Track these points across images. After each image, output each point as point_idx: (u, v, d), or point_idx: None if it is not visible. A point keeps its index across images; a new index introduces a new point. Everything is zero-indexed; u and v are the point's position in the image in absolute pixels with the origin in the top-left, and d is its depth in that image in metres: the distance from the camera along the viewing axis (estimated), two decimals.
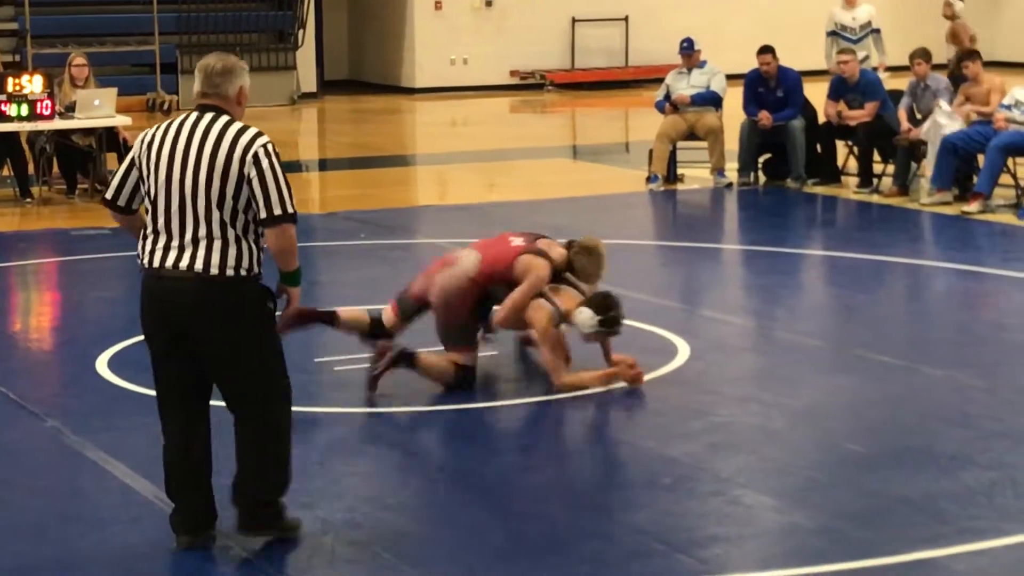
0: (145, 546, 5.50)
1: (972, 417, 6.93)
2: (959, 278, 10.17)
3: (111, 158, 13.37)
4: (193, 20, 20.75)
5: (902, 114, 13.15)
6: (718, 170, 13.81)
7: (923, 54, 13.34)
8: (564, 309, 7.29)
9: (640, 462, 6.49)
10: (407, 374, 7.33)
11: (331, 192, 14.67)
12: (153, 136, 5.29)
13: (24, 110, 12.70)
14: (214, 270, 5.14)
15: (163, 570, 5.31)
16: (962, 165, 12.70)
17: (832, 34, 14.88)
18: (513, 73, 23.23)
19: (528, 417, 7.18)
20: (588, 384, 7.26)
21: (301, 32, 21.31)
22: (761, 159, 13.99)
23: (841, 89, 13.58)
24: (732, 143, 13.83)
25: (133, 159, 5.37)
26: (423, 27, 22.78)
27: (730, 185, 13.73)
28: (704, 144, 13.88)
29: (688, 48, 13.92)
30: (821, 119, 13.73)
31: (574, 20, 23.47)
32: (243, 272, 5.18)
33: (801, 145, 13.57)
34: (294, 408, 5.55)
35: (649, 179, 13.87)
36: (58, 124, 12.93)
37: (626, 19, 23.75)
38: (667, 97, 13.97)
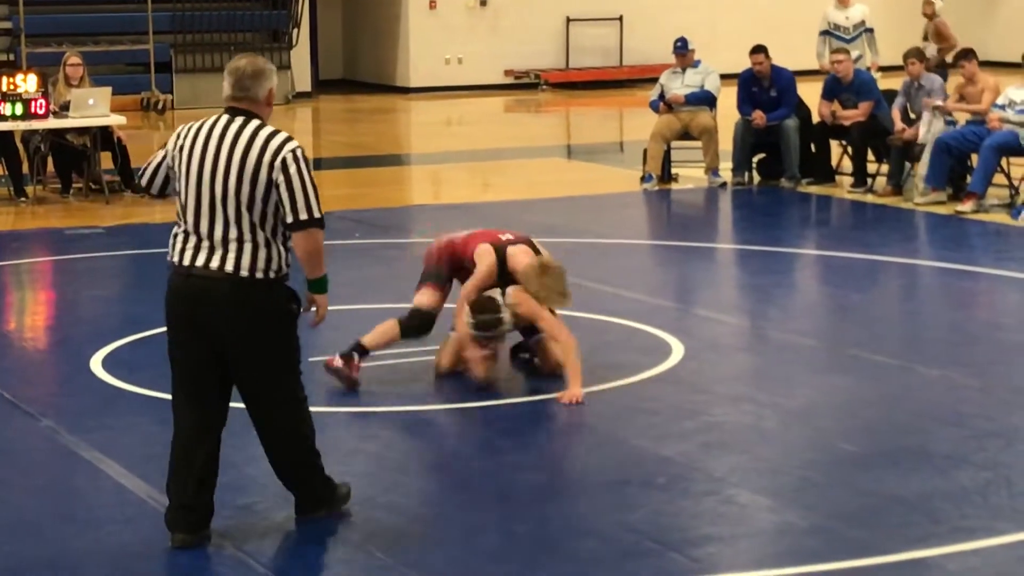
0: (139, 545, 5.50)
1: (966, 416, 6.94)
2: (953, 278, 10.18)
3: (105, 157, 13.37)
4: (187, 19, 20.74)
5: (896, 114, 13.16)
6: (712, 169, 13.82)
7: (917, 54, 13.36)
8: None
9: (634, 461, 6.49)
10: (397, 374, 7.34)
11: (326, 191, 14.55)
12: (185, 137, 5.37)
13: (19, 109, 12.68)
14: (244, 272, 5.24)
15: (158, 569, 5.31)
16: (956, 165, 12.72)
17: (825, 33, 14.88)
18: (508, 72, 23.23)
19: (522, 417, 7.18)
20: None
21: (296, 31, 21.31)
22: (755, 159, 14.00)
23: (835, 89, 13.59)
24: (726, 143, 13.83)
25: (166, 153, 5.45)
26: (417, 26, 22.78)
27: (724, 185, 13.74)
28: (698, 144, 13.89)
29: (682, 48, 13.93)
30: (815, 119, 13.74)
31: (568, 19, 23.48)
32: (272, 274, 5.27)
33: (795, 145, 13.59)
34: None
35: (643, 178, 13.88)
36: (53, 123, 12.92)
37: (620, 19, 23.76)
38: (661, 96, 13.98)
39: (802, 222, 12.86)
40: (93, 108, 12.98)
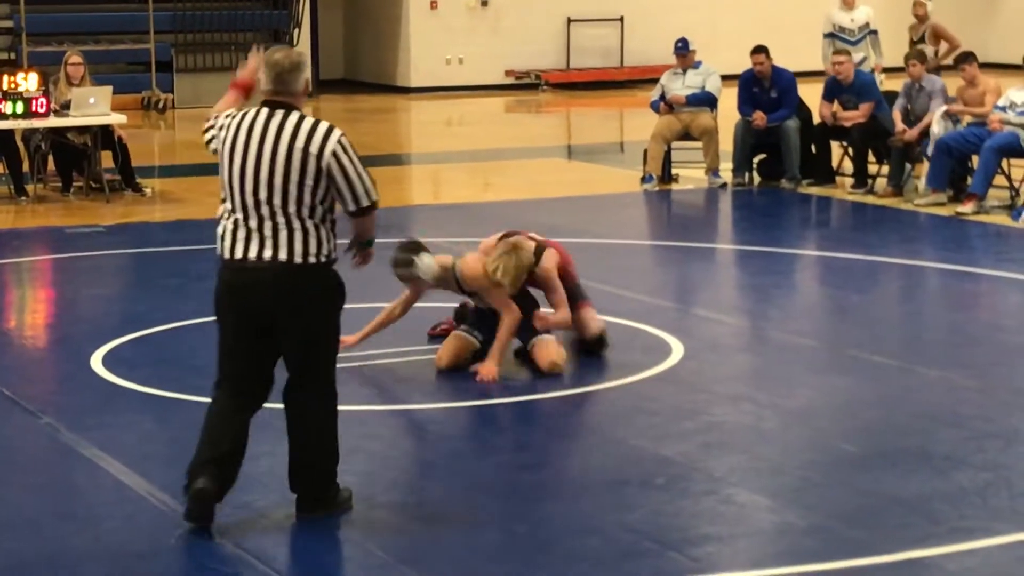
0: (139, 543, 5.50)
1: (965, 418, 6.94)
2: (953, 279, 10.19)
3: (106, 156, 13.37)
4: (188, 19, 20.74)
5: (896, 115, 13.17)
6: (713, 170, 13.82)
7: (918, 55, 13.36)
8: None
9: (633, 461, 6.50)
10: (397, 373, 7.34)
11: None
12: (227, 129, 5.49)
13: (19, 108, 12.69)
14: (297, 258, 5.39)
15: (157, 567, 5.32)
16: (956, 166, 12.73)
17: (830, 36, 14.84)
18: (508, 73, 23.23)
19: (521, 416, 7.19)
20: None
21: (296, 31, 21.31)
22: (756, 159, 14.00)
23: (836, 90, 13.60)
24: (727, 143, 13.84)
25: (215, 134, 5.57)
26: (418, 26, 22.78)
27: (724, 185, 13.74)
28: (699, 144, 13.89)
29: (683, 48, 13.93)
30: (816, 120, 13.74)
31: (569, 20, 23.48)
32: (322, 259, 5.43)
33: (796, 146, 13.59)
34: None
35: (644, 179, 13.88)
36: (53, 122, 12.92)
37: (621, 19, 23.76)
38: (662, 97, 13.98)
39: (802, 223, 12.86)
40: (94, 107, 12.99)
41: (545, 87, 23.13)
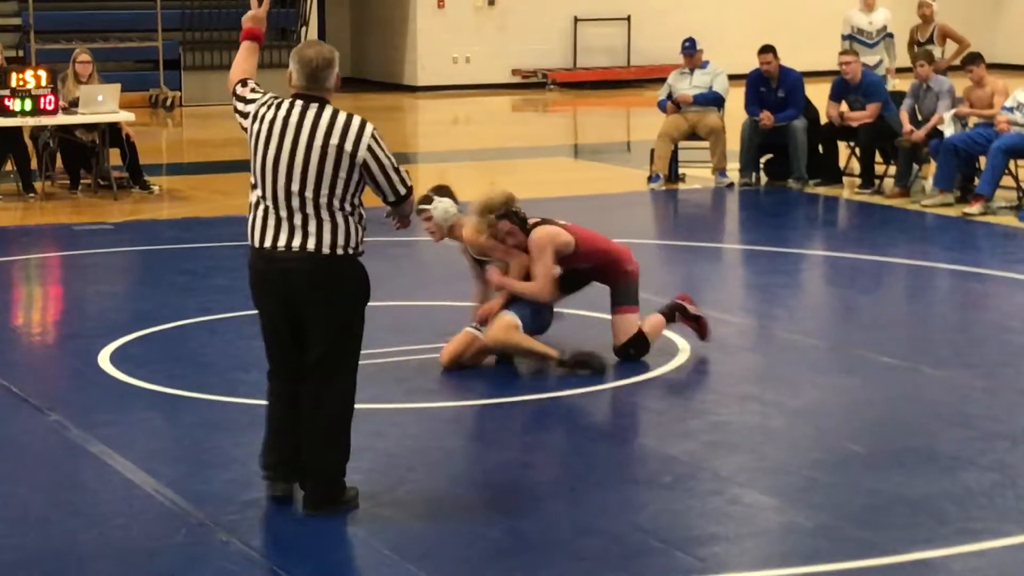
0: (146, 540, 5.52)
1: (972, 418, 6.94)
2: (960, 279, 10.18)
3: (114, 154, 13.39)
4: (196, 17, 20.76)
5: (904, 116, 13.16)
6: (719, 170, 13.82)
7: (925, 56, 13.36)
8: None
9: (640, 460, 6.50)
10: (403, 371, 7.34)
11: None
12: (261, 120, 5.57)
13: (27, 105, 12.72)
14: (326, 249, 5.50)
15: (164, 564, 5.32)
16: (963, 167, 12.72)
17: (848, 38, 14.80)
18: (515, 72, 23.23)
19: (527, 414, 7.19)
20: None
21: (304, 30, 21.33)
22: (763, 159, 14.00)
23: (843, 90, 13.59)
24: (734, 143, 13.84)
25: (247, 114, 5.66)
26: (425, 25, 22.79)
27: (731, 185, 13.74)
28: (706, 144, 13.89)
29: (690, 48, 13.93)
30: (823, 120, 13.74)
31: (576, 19, 23.48)
32: (350, 250, 5.56)
33: (803, 145, 13.59)
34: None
35: (650, 178, 13.88)
36: (61, 119, 12.95)
37: (628, 18, 23.76)
38: (669, 97, 13.98)
39: (809, 223, 12.86)
40: (102, 104, 13.01)
41: (552, 86, 23.13)
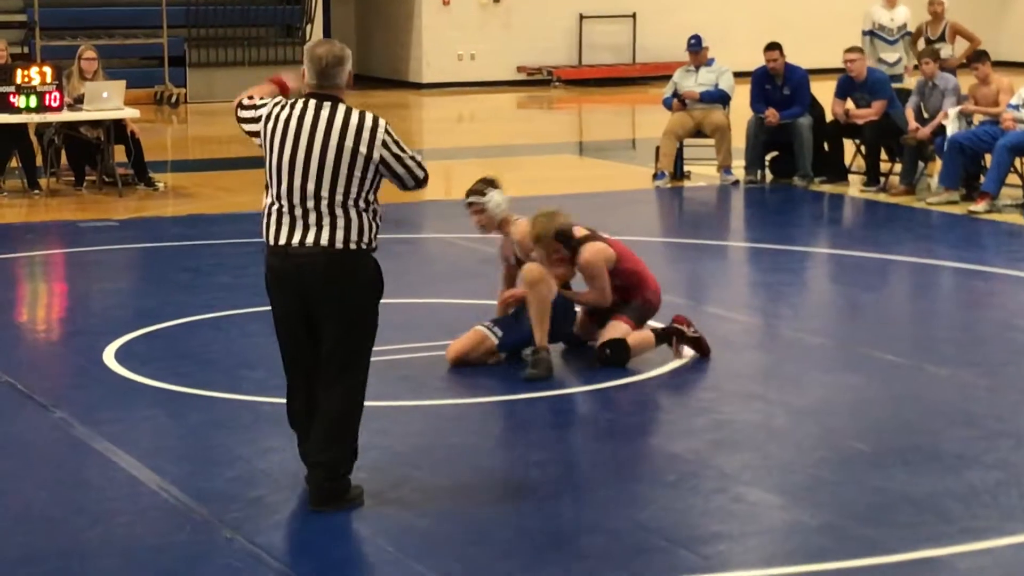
0: (151, 537, 5.52)
1: (977, 416, 6.94)
2: (965, 277, 10.17)
3: (119, 150, 13.40)
4: (201, 14, 20.77)
5: (909, 113, 13.15)
6: (725, 167, 13.81)
7: (931, 53, 13.35)
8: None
9: (644, 458, 6.50)
10: (407, 369, 7.34)
11: None
12: (275, 120, 5.60)
13: (33, 102, 12.73)
14: (339, 244, 5.55)
15: (169, 561, 5.33)
16: (969, 164, 12.71)
17: (869, 34, 14.77)
18: (520, 69, 23.23)
19: (532, 413, 7.19)
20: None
21: (309, 27, 21.33)
22: (768, 157, 13.99)
23: (848, 88, 13.58)
24: (739, 140, 13.83)
25: (258, 118, 5.69)
26: (430, 22, 22.79)
27: (737, 182, 13.73)
28: (711, 141, 13.89)
29: (696, 45, 13.92)
30: (828, 117, 13.73)
31: (582, 16, 23.47)
32: (364, 246, 5.61)
33: (808, 143, 13.58)
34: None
35: (656, 176, 13.88)
36: (66, 116, 12.96)
37: (634, 16, 23.75)
38: (675, 94, 13.98)
39: (814, 221, 12.85)
40: (107, 101, 13.02)
41: (557, 83, 23.12)
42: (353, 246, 5.57)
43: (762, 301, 9.73)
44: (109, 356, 7.89)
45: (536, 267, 7.56)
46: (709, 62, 13.95)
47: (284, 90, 5.93)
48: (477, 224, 7.85)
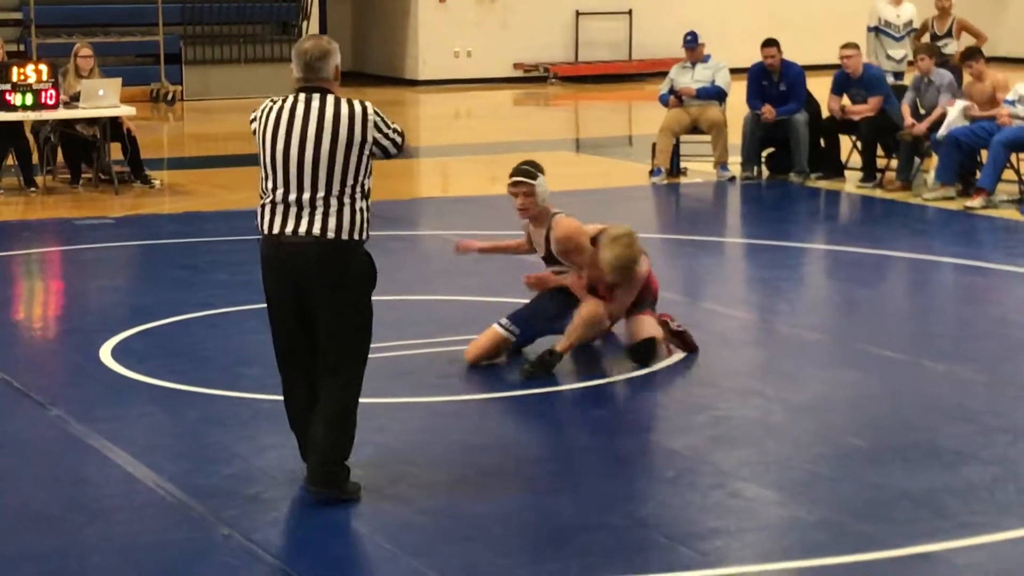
0: (148, 534, 5.52)
1: (974, 412, 6.94)
2: (961, 273, 10.18)
3: (115, 148, 13.39)
4: (197, 11, 20.75)
5: (905, 109, 13.15)
6: (721, 164, 13.81)
7: (927, 49, 13.35)
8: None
9: (642, 455, 6.50)
10: (404, 365, 7.34)
11: None
12: (267, 116, 5.70)
13: (29, 99, 12.72)
14: (331, 234, 5.61)
15: (166, 559, 5.32)
16: (965, 160, 12.71)
17: (875, 30, 14.74)
18: (517, 66, 23.22)
19: (529, 409, 7.19)
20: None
21: (305, 23, 21.31)
22: (764, 153, 13.99)
23: (844, 84, 13.59)
24: (735, 137, 13.83)
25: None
26: (427, 19, 22.78)
27: (733, 179, 13.73)
28: (707, 138, 13.89)
29: (692, 42, 13.92)
30: (824, 113, 13.73)
31: (578, 13, 23.47)
32: (356, 236, 5.67)
33: (804, 139, 13.58)
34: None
35: (652, 172, 13.88)
36: (62, 114, 12.95)
37: (630, 12, 23.74)
38: (671, 91, 13.97)
39: (811, 217, 12.86)
40: (103, 99, 13.01)
41: (554, 80, 23.12)
42: (345, 236, 5.63)
43: (759, 297, 9.73)
44: (106, 353, 7.88)
45: (594, 307, 7.42)
46: (705, 58, 13.95)
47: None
48: (520, 206, 7.61)
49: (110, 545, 5.44)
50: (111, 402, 7.12)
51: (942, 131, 12.51)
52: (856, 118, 13.40)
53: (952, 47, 14.31)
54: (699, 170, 14.11)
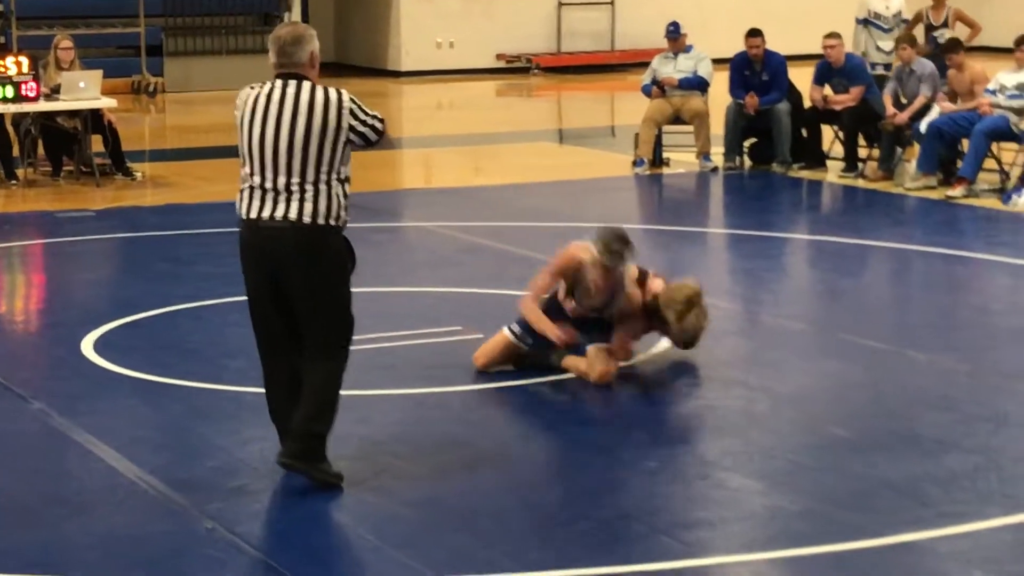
0: (130, 528, 5.50)
1: (956, 401, 6.96)
2: (943, 262, 10.20)
3: (96, 140, 13.34)
4: (179, 2, 20.67)
5: (887, 99, 13.17)
6: (704, 154, 13.82)
7: (908, 39, 13.37)
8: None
9: (625, 445, 6.50)
10: (387, 357, 7.33)
11: None
12: (245, 104, 5.74)
13: (9, 92, 12.66)
14: (307, 219, 5.65)
15: (149, 552, 5.31)
16: (946, 150, 12.74)
17: (864, 22, 14.75)
18: (499, 57, 23.20)
19: (512, 401, 7.19)
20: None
21: (287, 15, 21.25)
22: (747, 143, 14.00)
23: (826, 73, 13.60)
24: (718, 127, 13.84)
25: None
26: (409, 10, 22.73)
27: (715, 169, 13.74)
28: (690, 128, 13.89)
29: (674, 32, 13.92)
30: (806, 103, 13.75)
31: (560, 4, 23.44)
32: (332, 222, 5.69)
33: (787, 129, 13.59)
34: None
35: (635, 163, 13.88)
36: (43, 106, 12.89)
37: (612, 3, 23.73)
38: (654, 81, 13.97)
39: (793, 207, 12.87)
40: (84, 91, 12.96)
41: (536, 71, 23.10)
42: (321, 221, 5.66)
43: (742, 287, 9.74)
44: (88, 347, 7.86)
45: (605, 374, 7.20)
46: (688, 49, 13.95)
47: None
48: (593, 282, 7.20)
49: (92, 538, 5.43)
50: (93, 395, 7.10)
51: (905, 116, 12.56)
52: (838, 108, 13.42)
53: (946, 36, 14.30)
54: (681, 160, 14.11)
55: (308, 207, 5.65)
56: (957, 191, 12.17)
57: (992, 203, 12.04)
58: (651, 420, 6.79)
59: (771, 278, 10.00)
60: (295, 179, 5.65)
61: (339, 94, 5.72)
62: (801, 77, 14.06)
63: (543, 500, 5.81)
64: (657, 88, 13.89)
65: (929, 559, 5.24)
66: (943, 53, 13.17)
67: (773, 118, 13.57)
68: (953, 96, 12.93)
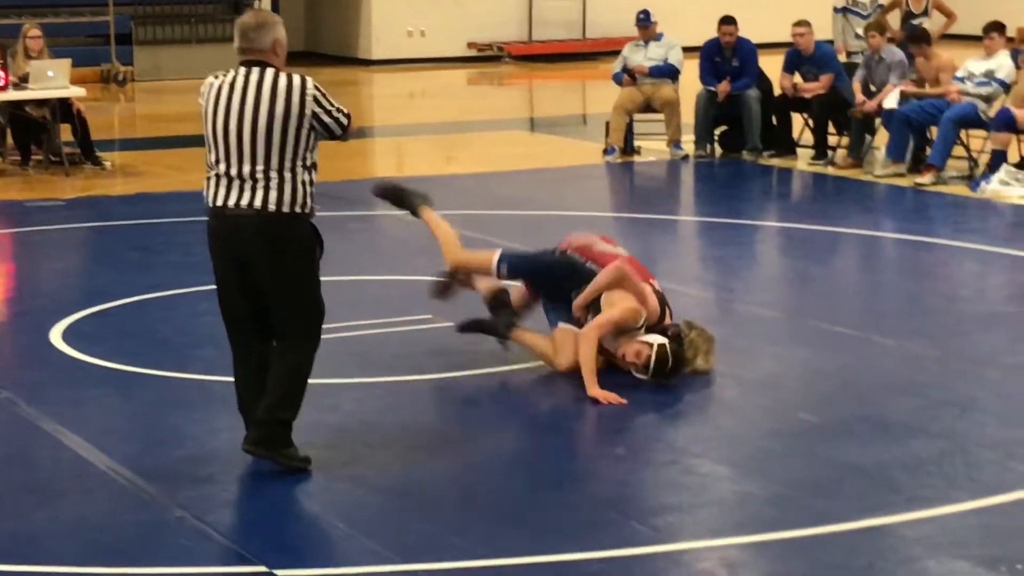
0: (99, 517, 5.49)
1: (923, 386, 7.00)
2: (912, 249, 10.26)
3: (65, 129, 13.27)
4: None
5: (856, 86, 13.22)
6: (674, 142, 13.84)
7: (877, 27, 13.41)
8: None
9: (594, 432, 6.52)
10: (357, 345, 7.32)
11: None
12: (209, 92, 5.74)
13: None
14: (272, 206, 5.65)
15: (118, 541, 5.30)
16: (915, 137, 12.80)
17: (842, 10, 14.76)
18: (471, 45, 23.16)
19: (484, 389, 7.19)
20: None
21: (257, 3, 21.17)
22: (717, 131, 14.03)
23: (796, 61, 13.64)
24: (688, 115, 13.86)
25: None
26: None
27: (686, 157, 13.77)
28: (661, 116, 13.91)
29: (645, 20, 13.94)
30: (776, 91, 13.78)
31: None
32: (298, 209, 5.69)
33: (757, 117, 13.63)
34: None
35: (606, 151, 13.89)
36: (12, 95, 12.82)
37: None
38: (624, 69, 13.99)
39: (763, 194, 12.91)
40: (52, 80, 12.88)
41: (508, 59, 23.07)
42: (287, 209, 5.66)
43: (713, 275, 9.77)
44: (56, 336, 7.83)
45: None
46: (658, 37, 13.97)
47: None
48: (631, 361, 6.97)
49: (61, 528, 5.41)
50: (62, 384, 7.07)
51: (875, 104, 12.63)
52: (808, 96, 13.46)
53: (928, 26, 14.33)
54: (652, 148, 14.13)
55: (273, 195, 5.65)
56: (926, 178, 12.23)
57: (961, 190, 12.10)
58: (621, 407, 6.80)
59: (741, 265, 10.03)
60: (259, 166, 5.65)
61: (303, 80, 5.72)
62: (771, 65, 14.10)
63: (513, 487, 5.82)
64: (628, 76, 13.90)
65: (896, 543, 5.27)
66: (909, 43, 13.21)
67: (744, 105, 13.60)
68: (921, 84, 13.00)
